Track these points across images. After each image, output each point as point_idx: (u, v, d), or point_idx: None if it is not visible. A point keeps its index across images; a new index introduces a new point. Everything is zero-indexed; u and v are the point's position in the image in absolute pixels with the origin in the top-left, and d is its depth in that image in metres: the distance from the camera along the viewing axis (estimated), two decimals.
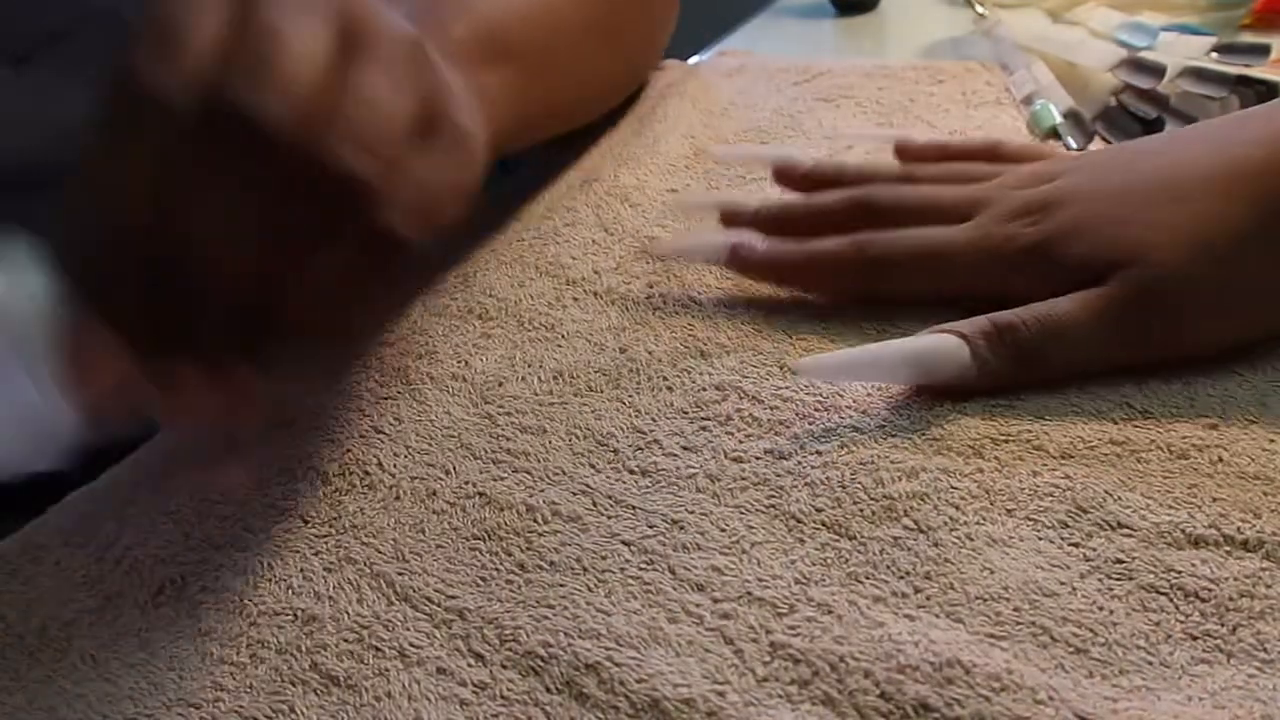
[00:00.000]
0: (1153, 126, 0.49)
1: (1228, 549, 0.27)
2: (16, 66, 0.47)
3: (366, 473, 0.35)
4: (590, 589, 0.29)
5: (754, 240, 0.40)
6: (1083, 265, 0.34)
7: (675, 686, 0.25)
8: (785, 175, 0.44)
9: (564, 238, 0.46)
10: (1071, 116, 0.52)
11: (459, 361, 0.39)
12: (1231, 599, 0.26)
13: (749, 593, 0.28)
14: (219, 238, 0.26)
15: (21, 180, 0.44)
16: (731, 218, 0.43)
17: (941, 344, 0.33)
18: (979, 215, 0.37)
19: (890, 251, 0.37)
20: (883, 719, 0.24)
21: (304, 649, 0.29)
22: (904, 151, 0.45)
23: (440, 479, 0.34)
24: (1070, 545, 0.28)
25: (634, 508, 0.31)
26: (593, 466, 0.34)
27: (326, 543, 0.32)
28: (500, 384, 0.38)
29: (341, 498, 0.34)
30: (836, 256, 0.38)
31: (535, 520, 0.32)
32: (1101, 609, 0.26)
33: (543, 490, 0.33)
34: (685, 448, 0.34)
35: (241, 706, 0.27)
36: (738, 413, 0.35)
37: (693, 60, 0.69)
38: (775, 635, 0.27)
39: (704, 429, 0.34)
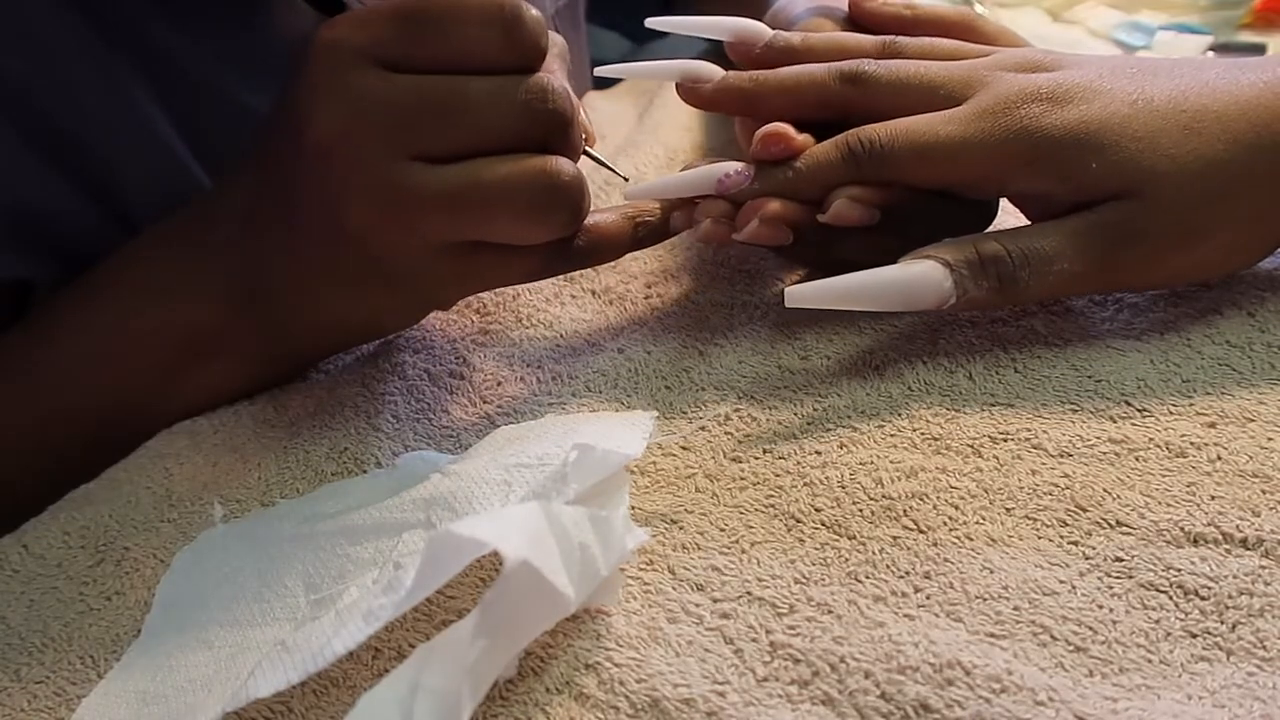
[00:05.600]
0: None
1: (1226, 547, 0.27)
2: None
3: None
4: None
5: (740, 169, 0.36)
6: (1096, 182, 0.33)
7: (675, 686, 0.25)
8: (742, 51, 0.40)
9: None
10: None
11: (456, 358, 0.39)
12: (1230, 596, 0.26)
13: (749, 593, 0.28)
14: None
15: None
16: (691, 92, 0.39)
17: (927, 273, 0.33)
18: (978, 97, 0.34)
19: (888, 147, 0.35)
20: (883, 719, 0.24)
21: None
22: (863, 11, 0.41)
23: None
24: (1069, 544, 0.28)
25: (633, 507, 0.31)
26: None
27: None
28: (499, 384, 0.38)
29: None
30: (829, 164, 0.35)
31: None
32: (1101, 607, 0.26)
33: None
34: (684, 448, 0.34)
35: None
36: (737, 413, 0.35)
37: None
38: (775, 635, 0.27)
39: (703, 429, 0.34)
